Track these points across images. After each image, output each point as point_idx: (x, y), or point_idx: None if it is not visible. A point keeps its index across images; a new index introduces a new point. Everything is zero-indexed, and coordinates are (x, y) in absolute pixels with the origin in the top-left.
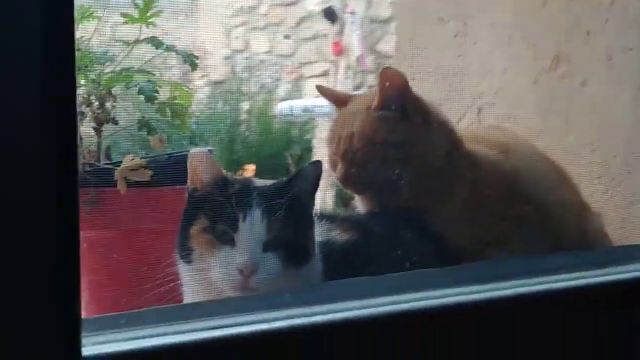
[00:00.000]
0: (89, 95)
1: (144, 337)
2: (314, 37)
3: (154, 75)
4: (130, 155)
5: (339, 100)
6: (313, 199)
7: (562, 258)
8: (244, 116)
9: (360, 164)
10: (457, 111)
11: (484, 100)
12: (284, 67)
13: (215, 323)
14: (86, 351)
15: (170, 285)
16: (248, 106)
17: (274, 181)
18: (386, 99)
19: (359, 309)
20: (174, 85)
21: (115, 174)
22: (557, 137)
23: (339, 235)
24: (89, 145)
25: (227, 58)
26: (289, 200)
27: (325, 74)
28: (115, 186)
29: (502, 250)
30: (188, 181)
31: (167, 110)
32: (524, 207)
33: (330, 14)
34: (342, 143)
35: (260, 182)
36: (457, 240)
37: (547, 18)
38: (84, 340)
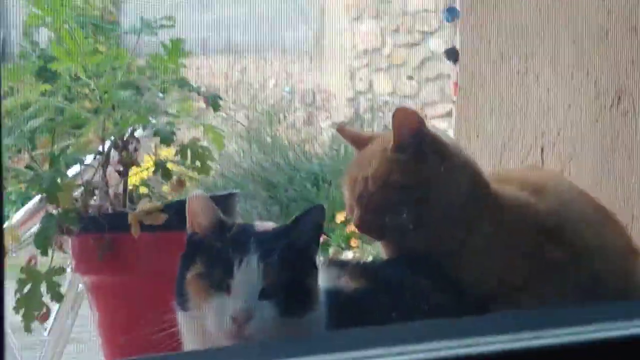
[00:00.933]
0: (115, 138)
1: None
2: (437, 78)
3: (176, 116)
4: (146, 199)
5: (359, 141)
6: (317, 244)
7: (601, 307)
8: None
9: (375, 208)
10: (521, 151)
11: (546, 139)
12: None
13: None
14: None
15: (170, 332)
16: None
17: (275, 226)
18: (401, 140)
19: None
20: (205, 126)
21: (129, 217)
22: (620, 177)
23: (348, 284)
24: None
25: (350, 99)
26: (289, 246)
27: (448, 114)
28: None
29: (530, 298)
30: (187, 225)
31: (188, 153)
32: (557, 251)
33: (452, 54)
34: (357, 186)
35: (261, 227)
36: (480, 286)
37: (608, 52)
38: None
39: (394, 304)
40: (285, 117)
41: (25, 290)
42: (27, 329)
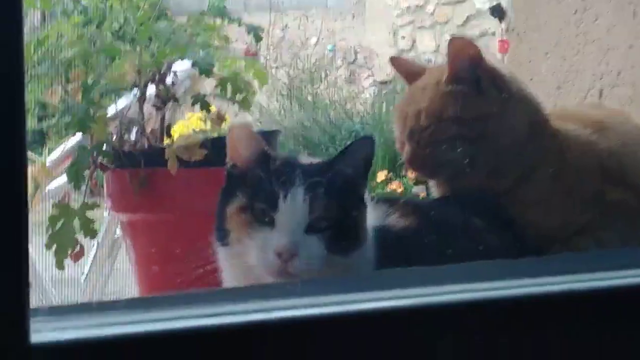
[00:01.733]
0: (150, 72)
1: (111, 325)
2: (482, 35)
3: (213, 47)
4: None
5: (411, 73)
6: (365, 179)
7: None
8: None
9: (427, 144)
10: (578, 94)
11: (605, 81)
12: None
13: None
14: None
15: (209, 269)
16: None
17: (321, 159)
18: (457, 72)
19: (414, 297)
20: (246, 62)
21: (167, 152)
22: None
23: (397, 221)
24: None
25: None
26: (336, 179)
27: None
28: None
29: (591, 240)
30: (227, 157)
31: (229, 86)
32: (620, 191)
33: (498, 11)
34: (409, 121)
35: (305, 160)
36: (538, 228)
37: None
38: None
39: (446, 244)
40: (326, 75)
41: (58, 226)
42: (60, 266)
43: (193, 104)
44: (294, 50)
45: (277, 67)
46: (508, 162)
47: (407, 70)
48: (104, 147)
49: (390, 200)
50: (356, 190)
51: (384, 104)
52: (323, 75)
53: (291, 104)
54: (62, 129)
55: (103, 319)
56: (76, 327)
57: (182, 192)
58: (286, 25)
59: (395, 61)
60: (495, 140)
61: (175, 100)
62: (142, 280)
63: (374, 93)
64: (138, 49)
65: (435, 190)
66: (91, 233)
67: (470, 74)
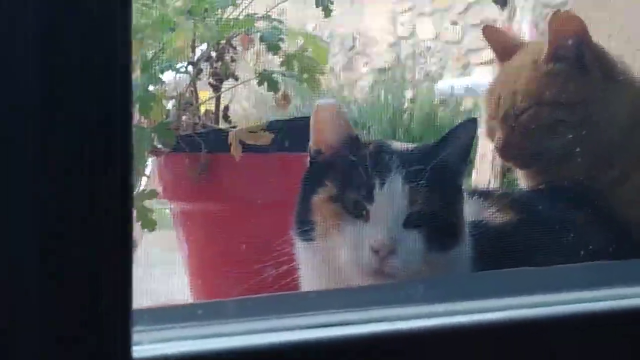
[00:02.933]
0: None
1: (221, 335)
2: (482, 23)
3: (280, 22)
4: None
5: (505, 47)
6: (464, 166)
7: None
8: (407, 104)
9: (523, 130)
10: None
11: None
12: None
13: (322, 320)
14: (139, 352)
15: (285, 268)
16: (412, 94)
17: (416, 145)
18: (558, 49)
19: (518, 308)
20: (305, 37)
21: (230, 137)
22: None
23: (494, 216)
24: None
25: (392, 44)
26: (437, 167)
27: (491, 61)
28: (229, 151)
29: None
30: (310, 141)
31: (295, 63)
32: None
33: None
34: (503, 104)
35: (399, 145)
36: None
37: None
38: (138, 337)
39: (549, 240)
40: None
41: None
42: None
43: (259, 84)
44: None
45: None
46: (611, 152)
47: (502, 44)
48: (165, 128)
49: (484, 193)
50: (456, 180)
51: (382, 91)
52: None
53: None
54: None
55: (212, 329)
56: (182, 338)
57: (246, 180)
58: (283, 10)
59: (488, 31)
60: (599, 126)
61: (236, 79)
62: (196, 279)
63: (372, 80)
64: (191, 21)
65: (525, 182)
66: (150, 225)
67: (574, 51)
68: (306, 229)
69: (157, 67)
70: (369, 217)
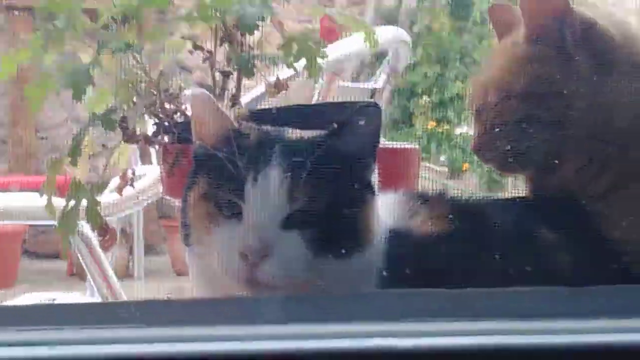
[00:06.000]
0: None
1: None
2: None
3: None
4: None
5: (505, 26)
6: (372, 158)
7: None
8: None
9: (495, 126)
10: None
11: None
12: None
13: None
14: None
15: None
16: None
17: (312, 132)
18: (535, 28)
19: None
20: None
21: None
22: None
23: (426, 223)
24: None
25: None
26: (329, 156)
27: None
28: None
29: None
30: (192, 133)
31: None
32: None
33: None
34: (476, 96)
35: (292, 134)
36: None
37: None
38: None
39: (495, 261)
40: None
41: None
42: (63, 256)
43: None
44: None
45: None
46: (604, 156)
47: (502, 24)
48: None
49: (419, 194)
50: (359, 174)
51: None
52: None
53: None
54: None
55: None
56: None
57: None
58: None
59: (493, 11)
60: (588, 125)
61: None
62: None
63: None
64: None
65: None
66: (94, 220)
67: (556, 29)
68: (186, 232)
69: None
70: (242, 217)
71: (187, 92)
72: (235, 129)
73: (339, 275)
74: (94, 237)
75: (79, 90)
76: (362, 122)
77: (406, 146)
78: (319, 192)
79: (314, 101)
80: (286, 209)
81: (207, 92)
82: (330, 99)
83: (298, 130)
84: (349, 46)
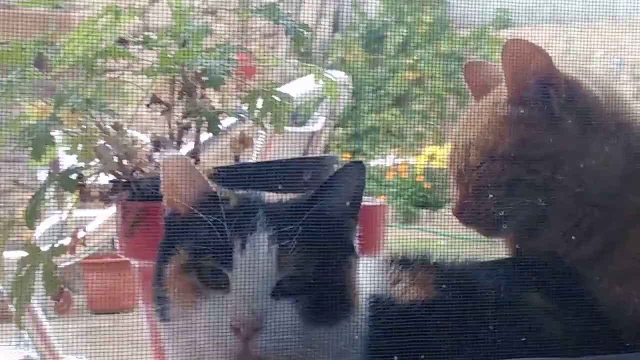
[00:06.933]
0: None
1: None
2: None
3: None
4: None
5: (480, 86)
6: (355, 219)
7: None
8: None
9: (478, 189)
10: None
11: None
12: None
13: None
14: None
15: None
16: None
17: (295, 195)
18: (518, 89)
19: None
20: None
21: None
22: None
23: (409, 289)
24: None
25: None
26: (317, 221)
27: None
28: None
29: None
30: (164, 201)
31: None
32: None
33: None
34: (457, 159)
35: (272, 197)
36: (625, 313)
37: None
38: None
39: (483, 331)
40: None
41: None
42: (17, 323)
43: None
44: (578, 64)
45: None
46: (594, 217)
47: (479, 82)
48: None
49: (402, 259)
50: (343, 236)
51: None
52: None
53: None
54: None
55: None
56: None
57: None
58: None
59: (468, 69)
60: (573, 187)
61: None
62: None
63: None
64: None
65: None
66: (52, 286)
67: (539, 90)
68: (162, 307)
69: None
70: (230, 287)
71: (156, 155)
72: (212, 194)
73: (327, 344)
74: None
75: (39, 150)
76: (347, 182)
77: (374, 203)
78: (307, 257)
79: (258, 147)
80: (276, 276)
81: (183, 155)
82: (274, 145)
83: (276, 194)
84: (298, 89)
